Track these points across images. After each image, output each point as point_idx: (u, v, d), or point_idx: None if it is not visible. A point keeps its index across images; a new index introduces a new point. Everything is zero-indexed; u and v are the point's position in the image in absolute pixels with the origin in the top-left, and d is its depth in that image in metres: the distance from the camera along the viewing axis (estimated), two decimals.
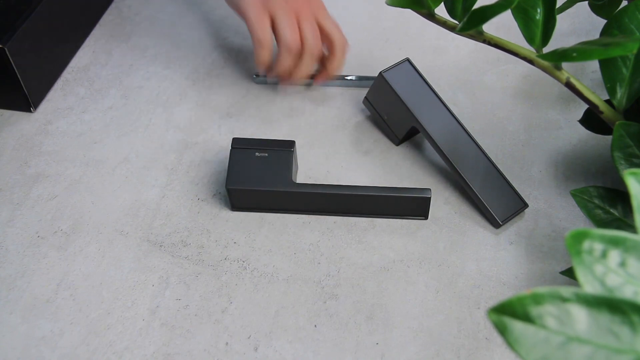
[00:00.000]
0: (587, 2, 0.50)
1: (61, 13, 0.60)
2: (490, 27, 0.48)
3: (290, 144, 0.50)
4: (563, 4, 0.50)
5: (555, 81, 0.54)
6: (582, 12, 0.64)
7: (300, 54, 0.54)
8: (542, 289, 0.22)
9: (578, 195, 0.44)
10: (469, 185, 0.49)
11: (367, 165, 0.53)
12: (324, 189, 0.49)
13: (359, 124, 0.56)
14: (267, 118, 0.57)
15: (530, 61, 0.42)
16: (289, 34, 0.52)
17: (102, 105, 0.59)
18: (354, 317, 0.44)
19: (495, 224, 0.49)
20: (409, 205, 0.49)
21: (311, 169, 0.53)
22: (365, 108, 0.57)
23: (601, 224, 0.43)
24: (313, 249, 0.48)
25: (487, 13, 0.39)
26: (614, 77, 0.43)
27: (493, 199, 0.49)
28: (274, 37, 0.54)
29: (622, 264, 0.24)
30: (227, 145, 0.55)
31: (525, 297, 0.22)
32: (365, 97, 0.55)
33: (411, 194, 0.48)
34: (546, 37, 0.41)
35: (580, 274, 0.24)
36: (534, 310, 0.22)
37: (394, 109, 0.52)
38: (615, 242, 0.24)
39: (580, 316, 0.22)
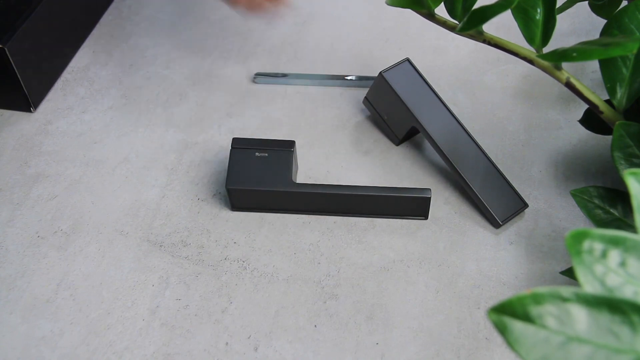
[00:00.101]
0: (587, 2, 0.50)
1: (61, 13, 0.60)
2: (490, 27, 0.48)
3: (290, 144, 0.50)
4: (563, 4, 0.50)
5: (555, 81, 0.54)
6: (582, 12, 0.64)
7: None
8: (542, 289, 0.22)
9: (578, 195, 0.44)
10: (469, 185, 0.49)
11: (367, 165, 0.53)
12: (324, 189, 0.49)
13: (359, 124, 0.56)
14: (267, 118, 0.57)
15: (530, 61, 0.42)
16: None
17: (102, 105, 0.59)
18: (354, 317, 0.44)
19: (495, 224, 0.49)
20: (409, 205, 0.49)
21: (311, 169, 0.53)
22: (365, 108, 0.57)
23: (601, 224, 0.43)
24: (313, 249, 0.48)
25: (487, 13, 0.39)
26: (614, 77, 0.43)
27: (493, 199, 0.49)
28: None
29: (622, 264, 0.24)
30: (227, 145, 0.55)
31: (525, 297, 0.22)
32: (365, 97, 0.55)
33: (411, 194, 0.48)
34: (546, 37, 0.41)
35: (580, 274, 0.24)
36: (534, 310, 0.22)
37: (394, 109, 0.52)
38: (615, 242, 0.24)
39: (580, 316, 0.22)
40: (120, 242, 0.49)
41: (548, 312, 0.22)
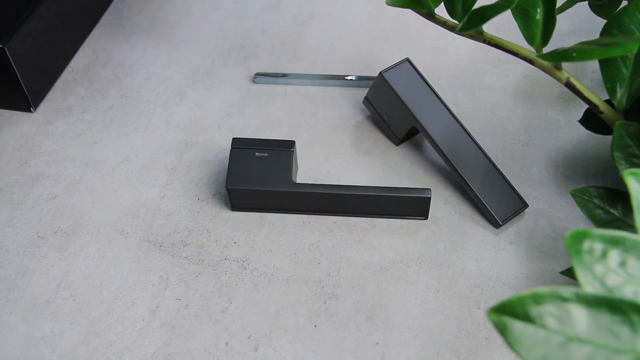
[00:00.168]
0: (587, 2, 0.50)
1: (61, 13, 0.60)
2: (490, 27, 0.48)
3: (290, 144, 0.50)
4: (563, 4, 0.50)
5: (555, 81, 0.54)
6: (582, 12, 0.64)
7: None
8: (542, 289, 0.22)
9: (578, 195, 0.44)
10: (469, 185, 0.49)
11: (367, 165, 0.53)
12: (324, 189, 0.49)
13: (359, 124, 0.57)
14: (267, 118, 0.57)
15: (530, 61, 0.42)
16: None
17: (102, 105, 0.59)
18: (354, 317, 0.44)
19: (495, 224, 0.49)
20: (409, 205, 0.49)
21: (311, 169, 0.53)
22: (365, 108, 0.57)
23: (601, 224, 0.43)
24: (313, 249, 0.48)
25: (487, 13, 0.39)
26: (614, 77, 0.43)
27: (493, 199, 0.49)
28: None
29: (622, 264, 0.24)
30: (227, 145, 0.55)
31: (525, 297, 0.22)
32: (365, 97, 0.55)
33: (411, 194, 0.48)
34: (546, 37, 0.41)
35: (580, 274, 0.24)
36: (534, 310, 0.22)
37: (394, 109, 0.52)
38: (615, 242, 0.24)
39: (580, 316, 0.22)
40: (120, 242, 0.49)
41: (548, 312, 0.22)
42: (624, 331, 0.22)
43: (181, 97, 0.59)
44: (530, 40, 0.42)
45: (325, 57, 0.62)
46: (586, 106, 0.52)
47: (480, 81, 0.59)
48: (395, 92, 0.51)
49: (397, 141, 0.54)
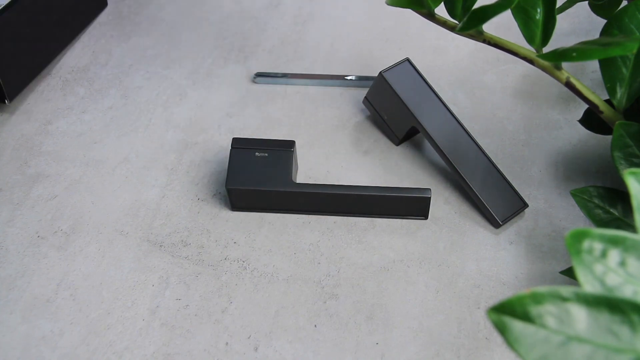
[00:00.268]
0: (587, 2, 0.50)
1: (48, 9, 0.59)
2: (490, 27, 0.48)
3: (290, 144, 0.50)
4: (563, 4, 0.50)
5: (555, 81, 0.54)
6: (582, 12, 0.64)
7: None
8: (542, 289, 0.22)
9: (578, 195, 0.44)
10: (469, 185, 0.49)
11: (367, 165, 0.53)
12: (324, 189, 0.49)
13: (359, 124, 0.57)
14: (267, 118, 0.57)
15: (530, 61, 0.42)
16: None
17: (102, 105, 0.59)
18: (354, 317, 0.44)
19: (495, 224, 0.49)
20: (409, 205, 0.49)
21: (311, 169, 0.53)
22: (365, 108, 0.57)
23: (601, 223, 0.43)
24: (313, 249, 0.48)
25: (487, 13, 0.39)
26: (614, 77, 0.43)
27: (493, 199, 0.49)
28: None
29: (622, 264, 0.24)
30: (227, 145, 0.55)
31: (525, 297, 0.22)
32: (365, 97, 0.55)
33: (411, 194, 0.48)
34: (546, 37, 0.41)
35: (580, 273, 0.24)
36: (534, 310, 0.22)
37: (394, 109, 0.52)
38: (615, 242, 0.24)
39: (580, 316, 0.22)
40: (120, 242, 0.49)
41: (548, 311, 0.22)
42: (623, 331, 0.22)
43: (181, 97, 0.59)
44: (530, 40, 0.42)
45: (325, 57, 0.62)
46: (586, 106, 0.52)
47: (480, 81, 0.59)
48: (395, 92, 0.51)
49: (397, 141, 0.54)
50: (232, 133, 0.56)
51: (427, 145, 0.54)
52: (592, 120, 0.50)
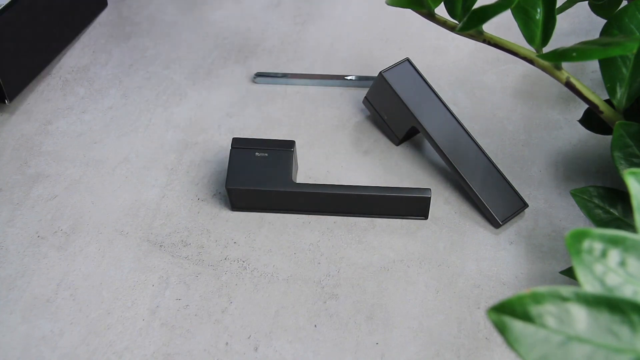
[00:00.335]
0: (587, 2, 0.50)
1: (49, 9, 0.59)
2: (490, 27, 0.48)
3: (290, 144, 0.50)
4: (563, 4, 0.50)
5: (555, 81, 0.54)
6: (582, 12, 0.64)
7: None
8: (542, 289, 0.22)
9: (578, 195, 0.44)
10: (469, 185, 0.49)
11: (367, 165, 0.53)
12: (324, 189, 0.49)
13: (359, 124, 0.57)
14: (267, 118, 0.57)
15: (530, 61, 0.42)
16: None
17: (102, 105, 0.59)
18: (354, 317, 0.44)
19: (495, 224, 0.49)
20: (409, 205, 0.49)
21: (311, 169, 0.53)
22: (365, 108, 0.57)
23: (601, 223, 0.43)
24: (313, 249, 0.48)
25: (487, 13, 0.39)
26: (614, 77, 0.43)
27: (493, 199, 0.49)
28: None
29: (622, 264, 0.24)
30: (227, 145, 0.55)
31: (525, 297, 0.22)
32: (365, 97, 0.55)
33: (411, 194, 0.48)
34: (546, 37, 0.41)
35: (580, 273, 0.24)
36: (534, 310, 0.22)
37: (394, 109, 0.52)
38: (615, 242, 0.24)
39: (580, 315, 0.22)
40: (120, 242, 0.49)
41: (548, 311, 0.22)
42: (623, 331, 0.22)
43: (181, 97, 0.59)
44: (530, 40, 0.42)
45: (325, 57, 0.62)
46: (586, 106, 0.52)
47: (480, 81, 0.59)
48: (395, 92, 0.51)
49: (397, 141, 0.54)
50: (232, 133, 0.56)
51: (427, 145, 0.54)
52: (592, 120, 0.50)
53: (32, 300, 0.46)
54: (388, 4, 0.44)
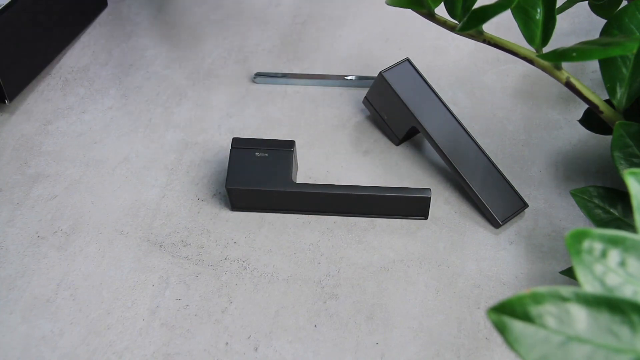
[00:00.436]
0: (587, 2, 0.50)
1: (49, 9, 0.59)
2: (490, 27, 0.48)
3: (290, 144, 0.50)
4: (563, 4, 0.50)
5: (555, 81, 0.54)
6: (582, 12, 0.64)
7: None
8: (541, 289, 0.22)
9: (578, 195, 0.44)
10: (469, 185, 0.49)
11: (367, 165, 0.53)
12: (324, 189, 0.49)
13: (359, 124, 0.57)
14: (267, 118, 0.57)
15: (530, 61, 0.42)
16: None
17: (102, 105, 0.59)
18: (354, 317, 0.44)
19: (495, 224, 0.49)
20: (409, 205, 0.49)
21: (311, 169, 0.53)
22: (365, 108, 0.57)
23: (601, 223, 0.43)
24: (313, 249, 0.48)
25: (487, 13, 0.39)
26: (614, 77, 0.43)
27: (493, 199, 0.49)
28: None
29: (622, 264, 0.24)
30: (227, 145, 0.55)
31: (525, 297, 0.22)
32: (365, 97, 0.55)
33: (411, 194, 0.48)
34: (546, 37, 0.41)
35: (580, 273, 0.24)
36: (534, 310, 0.22)
37: (394, 109, 0.52)
38: (615, 242, 0.24)
39: (580, 316, 0.22)
40: (120, 242, 0.49)
41: (548, 311, 0.22)
42: (623, 331, 0.22)
43: (181, 97, 0.59)
44: (530, 40, 0.42)
45: (325, 57, 0.62)
46: (586, 106, 0.52)
47: (480, 81, 0.59)
48: (395, 92, 0.51)
49: (397, 141, 0.54)
50: (232, 133, 0.56)
51: (427, 145, 0.54)
52: (592, 120, 0.50)
53: (32, 300, 0.46)
54: (388, 4, 0.44)
